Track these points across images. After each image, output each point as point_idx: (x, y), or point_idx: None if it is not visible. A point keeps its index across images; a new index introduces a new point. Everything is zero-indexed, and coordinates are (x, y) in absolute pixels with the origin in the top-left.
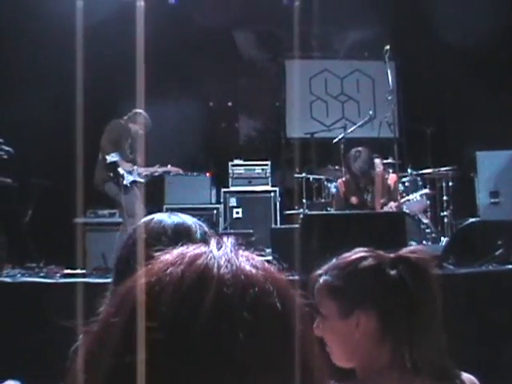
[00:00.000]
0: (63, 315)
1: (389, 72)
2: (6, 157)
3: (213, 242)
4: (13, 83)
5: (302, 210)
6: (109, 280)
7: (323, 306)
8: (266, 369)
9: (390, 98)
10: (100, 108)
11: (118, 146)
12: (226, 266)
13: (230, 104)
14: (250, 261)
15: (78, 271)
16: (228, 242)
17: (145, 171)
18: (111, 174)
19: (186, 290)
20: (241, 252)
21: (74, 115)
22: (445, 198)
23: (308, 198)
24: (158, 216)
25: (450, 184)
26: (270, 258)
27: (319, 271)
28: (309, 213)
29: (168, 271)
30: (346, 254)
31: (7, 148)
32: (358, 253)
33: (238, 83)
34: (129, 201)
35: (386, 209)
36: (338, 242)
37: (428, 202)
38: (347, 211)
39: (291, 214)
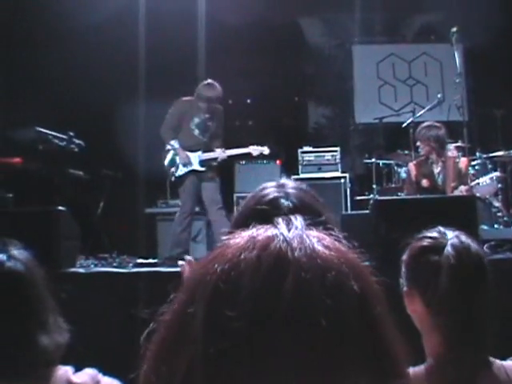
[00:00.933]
0: (137, 304)
1: (456, 55)
2: (76, 150)
3: (281, 222)
4: (82, 77)
5: (372, 196)
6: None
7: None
8: (347, 354)
9: (458, 81)
10: (165, 97)
11: (182, 130)
12: (300, 249)
13: (297, 92)
14: (321, 241)
15: (150, 261)
16: (297, 222)
17: (207, 156)
18: (166, 164)
19: (263, 276)
20: (311, 233)
21: (143, 106)
22: None
23: (378, 184)
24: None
25: None
26: (339, 236)
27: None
28: (379, 198)
29: (242, 256)
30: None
31: (78, 141)
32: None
33: (305, 71)
34: (181, 193)
35: (456, 193)
36: (408, 227)
37: (499, 185)
38: (417, 196)
39: (361, 200)
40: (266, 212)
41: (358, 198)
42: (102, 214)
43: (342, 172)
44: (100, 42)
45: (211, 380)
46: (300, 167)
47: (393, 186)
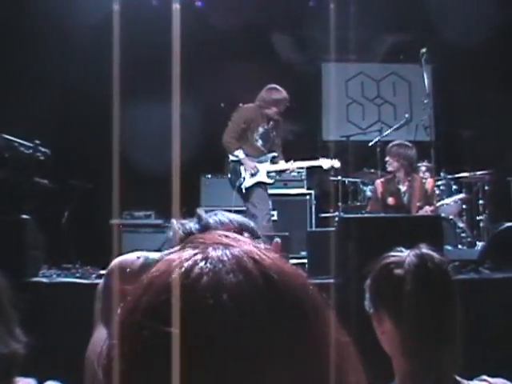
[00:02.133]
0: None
1: (425, 75)
2: (42, 158)
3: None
4: (48, 83)
5: (337, 213)
6: None
7: None
8: (295, 365)
9: (426, 101)
10: (137, 108)
11: (244, 140)
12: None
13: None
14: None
15: None
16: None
17: (276, 168)
18: (230, 176)
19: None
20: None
21: (108, 115)
22: (481, 202)
23: (343, 201)
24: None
25: (486, 188)
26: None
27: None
28: (345, 216)
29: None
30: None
31: (44, 149)
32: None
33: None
34: (255, 202)
35: (421, 212)
36: (374, 245)
37: (464, 206)
38: (383, 214)
39: (327, 217)
40: None
41: (323, 215)
42: (66, 223)
43: (308, 189)
44: (71, 48)
45: None
46: None
47: (358, 204)
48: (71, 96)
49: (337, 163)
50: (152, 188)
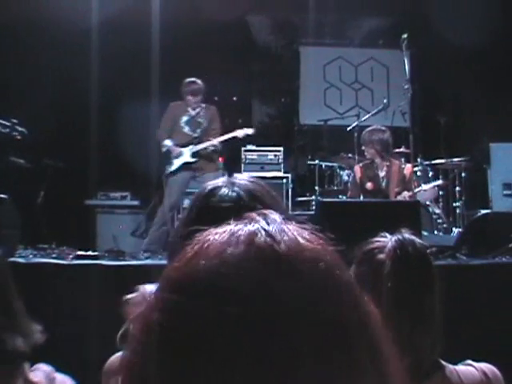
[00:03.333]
0: (76, 296)
1: (406, 61)
2: (19, 137)
3: (259, 217)
4: (27, 64)
5: (313, 197)
6: (122, 263)
7: None
8: (346, 349)
9: (406, 87)
10: (113, 90)
11: (175, 131)
12: (285, 242)
13: (244, 89)
14: (301, 235)
15: (91, 253)
16: (275, 216)
17: (198, 147)
18: (165, 164)
19: (254, 270)
20: (290, 226)
21: (86, 96)
22: (457, 188)
23: (320, 186)
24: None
25: (463, 175)
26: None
27: None
28: (323, 199)
29: (228, 252)
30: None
31: (21, 129)
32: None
33: (251, 69)
34: (168, 190)
35: (399, 198)
36: (351, 230)
37: (440, 192)
38: (361, 199)
39: (303, 201)
40: (213, 207)
41: (300, 198)
42: (42, 203)
43: (285, 172)
44: (51, 28)
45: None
46: (242, 166)
47: (335, 188)
48: (49, 76)
49: (250, 130)
50: (128, 169)
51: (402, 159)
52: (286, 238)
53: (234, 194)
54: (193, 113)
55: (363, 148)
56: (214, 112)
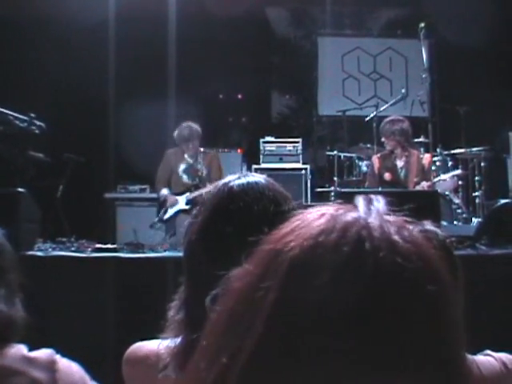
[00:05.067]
0: (97, 289)
1: (423, 50)
2: (37, 131)
3: (362, 203)
4: (45, 58)
5: (332, 188)
6: (141, 255)
7: None
8: (412, 358)
9: (424, 76)
10: (131, 83)
11: (174, 180)
12: (379, 239)
13: (263, 81)
14: (400, 231)
15: (109, 246)
16: (379, 204)
17: (194, 195)
18: (159, 211)
19: (340, 263)
20: (391, 219)
21: (106, 90)
22: (477, 178)
23: (339, 176)
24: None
25: (483, 164)
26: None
27: None
28: (342, 190)
29: (320, 239)
30: None
31: (39, 123)
32: None
33: (270, 60)
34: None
35: (418, 188)
36: None
37: (460, 183)
38: (380, 188)
39: (322, 192)
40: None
41: (319, 189)
42: (61, 197)
43: (303, 163)
44: (70, 22)
45: (283, 360)
46: (261, 157)
47: (353, 179)
48: (68, 70)
49: None
50: (147, 162)
51: (421, 149)
52: (381, 234)
53: (249, 195)
54: (191, 160)
55: (383, 140)
56: (214, 159)
